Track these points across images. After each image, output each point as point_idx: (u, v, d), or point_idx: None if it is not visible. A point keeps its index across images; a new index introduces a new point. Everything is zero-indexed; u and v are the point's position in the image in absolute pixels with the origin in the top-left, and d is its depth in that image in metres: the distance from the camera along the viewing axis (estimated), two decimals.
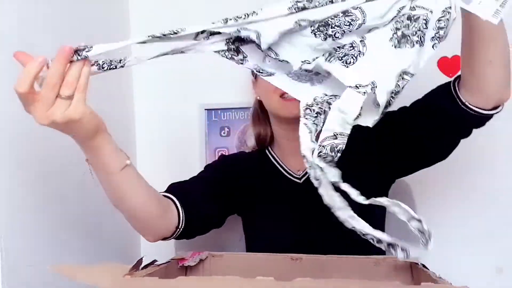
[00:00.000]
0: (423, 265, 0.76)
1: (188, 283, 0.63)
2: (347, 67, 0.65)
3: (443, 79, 1.31)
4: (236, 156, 1.15)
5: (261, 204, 1.04)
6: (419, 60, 0.65)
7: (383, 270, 0.79)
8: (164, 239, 0.88)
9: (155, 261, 0.77)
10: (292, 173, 1.04)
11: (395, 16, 0.65)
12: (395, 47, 0.65)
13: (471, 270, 1.26)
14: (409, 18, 0.64)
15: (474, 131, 0.90)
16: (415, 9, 0.65)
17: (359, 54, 0.65)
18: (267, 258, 0.86)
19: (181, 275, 0.70)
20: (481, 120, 0.84)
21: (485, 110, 0.81)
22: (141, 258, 0.72)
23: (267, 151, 1.09)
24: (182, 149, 1.42)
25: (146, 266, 0.72)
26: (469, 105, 0.81)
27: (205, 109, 1.40)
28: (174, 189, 0.92)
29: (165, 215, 0.85)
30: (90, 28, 1.22)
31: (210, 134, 1.41)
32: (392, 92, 0.64)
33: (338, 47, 0.65)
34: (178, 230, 0.87)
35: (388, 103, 0.65)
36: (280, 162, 1.06)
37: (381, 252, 1.03)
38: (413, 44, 0.65)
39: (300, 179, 1.03)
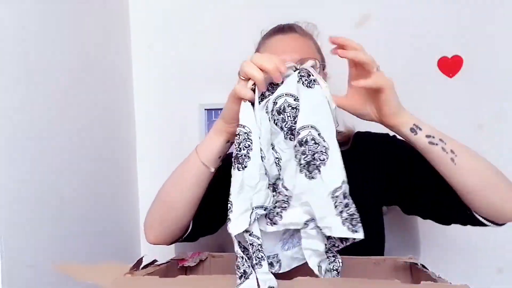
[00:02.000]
0: (423, 265, 0.76)
1: (188, 282, 0.63)
2: None
3: (443, 79, 1.32)
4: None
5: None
6: None
7: (383, 270, 0.79)
8: (164, 243, 0.89)
9: (155, 261, 0.77)
10: None
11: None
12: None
13: (471, 270, 1.26)
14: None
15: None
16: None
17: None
18: None
19: (181, 275, 0.70)
20: (475, 222, 0.87)
21: (497, 224, 0.84)
22: (141, 258, 0.72)
23: None
24: (182, 149, 1.40)
25: (146, 266, 0.72)
26: (480, 218, 0.84)
27: (205, 109, 1.40)
28: None
29: (187, 226, 0.88)
30: (90, 28, 1.22)
31: None
32: None
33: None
34: (179, 239, 0.90)
35: None
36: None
37: (380, 252, 1.03)
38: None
39: None
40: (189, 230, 0.89)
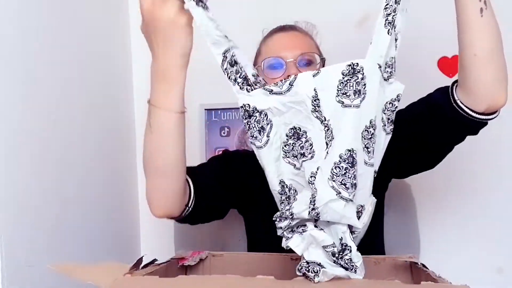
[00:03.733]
0: (423, 265, 0.76)
1: (188, 282, 0.63)
2: None
3: (443, 79, 1.32)
4: (239, 153, 1.14)
5: (261, 200, 1.03)
6: None
7: (383, 269, 0.79)
8: (169, 218, 0.86)
9: (155, 260, 0.77)
10: None
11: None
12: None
13: (471, 270, 1.26)
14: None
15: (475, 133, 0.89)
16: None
17: None
18: (267, 258, 0.86)
19: (181, 275, 0.70)
20: (473, 124, 0.81)
21: (476, 112, 0.79)
22: (141, 257, 0.72)
23: None
24: None
25: (146, 266, 0.72)
26: (461, 104, 0.79)
27: (205, 109, 1.40)
28: (188, 171, 0.91)
29: (185, 188, 0.84)
30: (90, 28, 1.22)
31: (210, 134, 1.41)
32: None
33: None
34: (186, 210, 0.86)
35: None
36: None
37: (380, 251, 1.03)
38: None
39: None
40: (191, 207, 0.87)
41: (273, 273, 0.65)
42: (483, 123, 0.82)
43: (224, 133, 1.40)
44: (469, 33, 0.75)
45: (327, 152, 0.67)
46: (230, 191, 1.00)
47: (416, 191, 1.33)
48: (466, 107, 0.79)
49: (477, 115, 0.79)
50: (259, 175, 1.05)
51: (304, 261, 0.66)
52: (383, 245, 1.05)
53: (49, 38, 1.02)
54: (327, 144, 0.67)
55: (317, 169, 0.67)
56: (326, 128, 0.67)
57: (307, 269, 0.64)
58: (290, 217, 0.68)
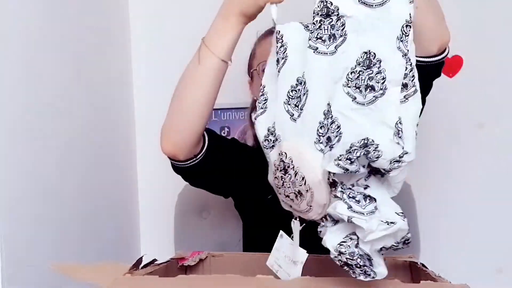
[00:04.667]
0: (423, 264, 0.76)
1: (188, 282, 0.63)
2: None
3: (443, 79, 1.32)
4: (244, 145, 1.15)
5: (261, 197, 1.04)
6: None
7: None
8: (174, 161, 0.88)
9: (155, 260, 0.77)
10: None
11: None
12: None
13: (471, 270, 1.26)
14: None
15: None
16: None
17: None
18: (266, 258, 0.86)
19: (181, 275, 0.70)
20: (429, 68, 0.82)
21: (431, 57, 0.81)
22: (141, 257, 0.72)
23: None
24: None
25: (146, 265, 0.72)
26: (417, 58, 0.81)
27: None
28: (210, 132, 0.93)
29: (200, 137, 0.86)
30: (90, 28, 1.22)
31: None
32: None
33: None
34: (192, 160, 0.88)
35: None
36: None
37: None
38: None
39: None
40: (204, 148, 0.88)
41: (273, 273, 0.65)
42: (441, 63, 0.84)
43: (224, 133, 1.41)
44: None
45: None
46: (234, 174, 1.00)
47: (416, 191, 1.33)
48: (421, 57, 0.79)
49: (432, 59, 0.81)
50: (262, 170, 1.06)
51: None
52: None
53: (49, 38, 1.02)
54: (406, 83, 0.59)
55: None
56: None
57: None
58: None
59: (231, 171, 0.99)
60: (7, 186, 0.85)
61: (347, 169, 0.58)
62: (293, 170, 0.62)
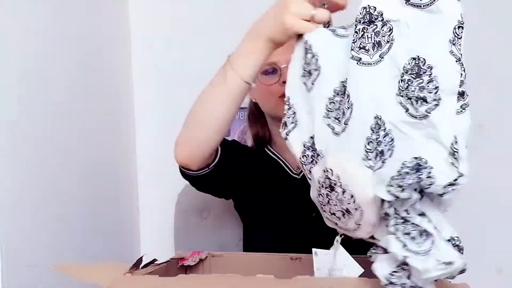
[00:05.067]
0: None
1: (188, 282, 0.63)
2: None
3: None
4: (244, 147, 1.15)
5: (261, 197, 1.04)
6: None
7: None
8: (184, 169, 0.89)
9: (155, 260, 0.77)
10: (292, 169, 1.05)
11: None
12: None
13: (471, 270, 1.26)
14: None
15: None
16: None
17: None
18: (266, 258, 0.86)
19: (181, 275, 0.70)
20: None
21: None
22: (141, 257, 0.72)
23: (266, 149, 1.10)
24: None
25: (146, 265, 0.72)
26: None
27: None
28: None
29: (214, 150, 0.86)
30: (90, 28, 1.22)
31: None
32: None
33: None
34: (204, 170, 0.89)
35: None
36: (280, 157, 1.07)
37: None
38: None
39: (299, 175, 1.04)
40: (216, 159, 0.89)
41: (272, 273, 0.65)
42: None
43: None
44: None
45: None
46: (235, 177, 1.00)
47: None
48: None
49: None
50: (261, 170, 1.06)
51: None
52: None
53: (49, 39, 1.02)
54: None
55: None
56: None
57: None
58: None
59: (236, 177, 1.00)
60: (7, 186, 0.85)
61: (397, 197, 0.55)
62: (341, 188, 0.58)
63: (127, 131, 1.43)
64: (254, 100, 1.09)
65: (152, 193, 1.44)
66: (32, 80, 0.94)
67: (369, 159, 0.56)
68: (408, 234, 0.55)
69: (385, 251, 0.58)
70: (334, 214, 0.62)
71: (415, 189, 0.55)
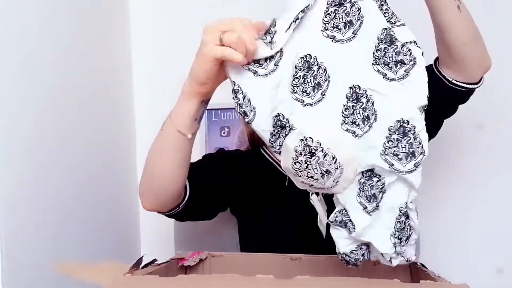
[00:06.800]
0: (422, 265, 0.76)
1: (188, 282, 0.64)
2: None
3: None
4: (233, 153, 1.15)
5: (257, 201, 1.04)
6: None
7: (382, 269, 0.78)
8: (159, 212, 0.88)
9: (155, 260, 0.77)
10: None
11: None
12: None
13: (471, 270, 1.26)
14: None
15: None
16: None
17: None
18: (266, 258, 0.86)
19: (181, 275, 0.70)
20: (466, 95, 0.88)
21: (472, 84, 0.85)
22: (141, 257, 0.72)
23: (261, 150, 1.09)
24: None
25: (146, 265, 0.72)
26: (457, 83, 0.85)
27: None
28: (191, 171, 0.91)
29: (179, 193, 0.85)
30: (90, 28, 1.22)
31: (210, 134, 1.41)
32: None
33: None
34: (175, 210, 0.88)
35: None
36: (276, 160, 1.06)
37: None
38: None
39: None
40: (185, 199, 0.88)
41: (272, 273, 0.65)
42: (474, 90, 0.88)
43: (224, 133, 1.41)
44: (453, 29, 0.80)
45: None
46: (221, 193, 1.00)
47: None
48: (465, 83, 0.85)
49: (473, 86, 0.86)
50: (255, 173, 1.06)
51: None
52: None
53: (49, 38, 1.02)
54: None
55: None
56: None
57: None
58: None
59: (217, 199, 0.99)
60: (7, 186, 0.85)
61: (392, 164, 0.65)
62: (322, 152, 0.64)
63: (127, 131, 1.43)
64: None
65: None
66: (31, 80, 0.94)
67: (346, 123, 0.65)
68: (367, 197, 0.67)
69: (344, 226, 0.68)
70: (311, 177, 0.67)
71: (407, 157, 0.65)
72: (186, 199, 0.88)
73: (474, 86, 0.86)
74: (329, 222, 0.70)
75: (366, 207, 0.67)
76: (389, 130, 0.65)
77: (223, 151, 1.16)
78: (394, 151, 0.65)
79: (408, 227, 0.69)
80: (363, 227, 0.67)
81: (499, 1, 1.30)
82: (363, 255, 0.69)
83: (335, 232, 0.69)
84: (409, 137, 0.64)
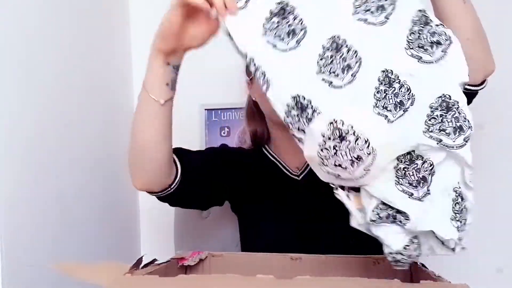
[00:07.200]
0: (422, 265, 0.76)
1: (188, 282, 0.63)
2: None
3: None
4: (236, 151, 1.14)
5: (259, 200, 1.03)
6: None
7: (382, 269, 0.79)
8: (150, 193, 0.88)
9: (155, 260, 0.77)
10: (291, 171, 1.03)
11: None
12: None
13: (471, 270, 1.26)
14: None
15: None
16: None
17: None
18: (266, 258, 0.86)
19: (181, 275, 0.70)
20: (468, 96, 0.84)
21: (474, 86, 0.84)
22: (141, 257, 0.72)
23: (264, 149, 1.08)
24: None
25: (146, 265, 0.72)
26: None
27: (205, 109, 1.41)
28: (181, 152, 0.92)
29: (167, 169, 0.85)
30: (90, 28, 1.22)
31: (210, 134, 1.41)
32: None
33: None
34: (167, 190, 0.88)
35: None
36: (279, 159, 1.05)
37: (380, 251, 1.03)
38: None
39: (298, 176, 1.02)
40: (173, 188, 0.88)
41: (273, 273, 0.65)
42: (477, 93, 0.88)
43: (224, 133, 1.41)
44: (458, 22, 0.79)
45: None
46: (220, 189, 1.00)
47: None
48: (467, 85, 0.83)
49: (475, 88, 0.85)
50: (257, 173, 1.06)
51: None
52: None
53: (49, 38, 1.02)
54: None
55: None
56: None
57: None
58: None
59: (214, 190, 0.99)
60: (7, 186, 0.85)
61: (440, 140, 0.62)
62: (354, 135, 0.60)
63: (127, 131, 1.43)
64: (254, 99, 1.07)
65: None
66: (31, 80, 0.94)
67: (377, 107, 0.62)
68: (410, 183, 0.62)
69: (393, 220, 0.62)
70: (339, 165, 0.62)
71: (455, 132, 0.63)
72: (177, 180, 0.87)
73: (476, 88, 0.85)
74: (369, 222, 0.64)
75: (412, 194, 0.61)
76: (430, 108, 0.61)
77: (226, 147, 1.16)
78: (440, 127, 0.62)
79: (465, 210, 0.65)
80: (417, 216, 0.61)
81: (499, 1, 1.30)
82: (415, 250, 0.64)
83: (381, 230, 0.64)
84: (453, 111, 0.62)
